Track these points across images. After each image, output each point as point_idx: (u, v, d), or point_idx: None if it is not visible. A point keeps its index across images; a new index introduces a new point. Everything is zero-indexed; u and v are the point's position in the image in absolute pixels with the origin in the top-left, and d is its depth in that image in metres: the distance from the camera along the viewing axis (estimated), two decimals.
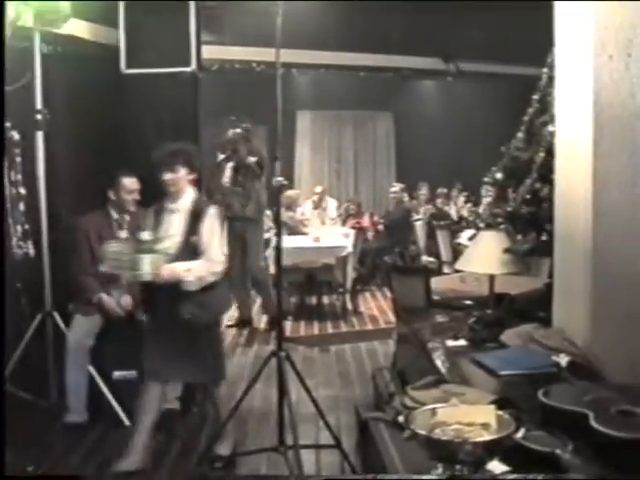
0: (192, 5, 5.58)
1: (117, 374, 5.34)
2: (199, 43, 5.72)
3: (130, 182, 5.43)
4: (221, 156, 8.31)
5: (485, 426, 2.08)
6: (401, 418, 2.17)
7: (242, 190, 8.24)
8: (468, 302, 5.37)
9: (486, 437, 2.04)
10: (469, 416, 2.12)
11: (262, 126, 8.82)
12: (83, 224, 5.44)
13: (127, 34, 5.56)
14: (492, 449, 2.05)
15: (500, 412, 2.16)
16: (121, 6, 5.58)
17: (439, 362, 3.64)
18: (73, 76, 5.63)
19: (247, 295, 8.73)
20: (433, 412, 2.17)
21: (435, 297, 5.79)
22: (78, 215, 5.49)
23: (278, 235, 4.45)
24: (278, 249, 4.38)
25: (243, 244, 8.25)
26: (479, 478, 2.05)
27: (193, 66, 5.60)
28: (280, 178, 4.33)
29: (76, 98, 5.61)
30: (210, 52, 8.29)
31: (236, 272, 8.48)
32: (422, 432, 2.06)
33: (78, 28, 5.60)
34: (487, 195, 5.40)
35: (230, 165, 8.26)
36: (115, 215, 5.45)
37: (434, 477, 2.03)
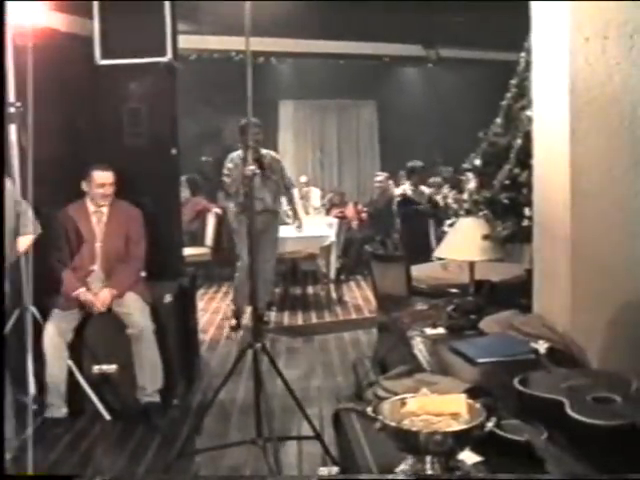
0: None
1: (96, 368, 5.32)
2: (175, 32, 5.69)
3: (100, 176, 5.38)
4: (240, 147, 7.95)
5: (455, 416, 2.04)
6: (369, 409, 2.13)
7: (273, 183, 8.11)
8: (452, 290, 5.35)
9: (455, 427, 2.00)
10: (439, 406, 2.08)
11: (242, 116, 8.75)
12: (61, 217, 5.41)
13: (101, 24, 5.50)
14: (462, 439, 2.00)
15: (471, 401, 2.13)
16: None
17: (417, 351, 3.60)
18: (46, 67, 5.56)
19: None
20: (402, 402, 2.12)
21: (417, 285, 5.76)
22: (54, 208, 5.44)
23: (251, 225, 4.41)
24: (252, 239, 4.35)
25: (266, 236, 8.09)
26: (450, 479, 2.02)
27: (169, 56, 5.55)
28: (253, 167, 4.27)
29: (50, 90, 5.54)
30: (188, 42, 8.25)
31: (246, 265, 8.28)
32: (390, 423, 2.02)
33: (51, 19, 5.52)
34: (467, 182, 5.36)
35: (254, 156, 8.04)
36: (92, 208, 5.41)
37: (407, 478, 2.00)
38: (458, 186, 9.71)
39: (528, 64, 4.42)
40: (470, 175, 5.39)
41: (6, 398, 4.33)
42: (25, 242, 4.64)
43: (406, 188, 10.49)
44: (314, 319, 8.57)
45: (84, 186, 5.38)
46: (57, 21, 5.57)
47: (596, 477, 2.12)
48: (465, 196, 5.42)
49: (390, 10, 9.52)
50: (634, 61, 3.38)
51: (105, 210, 5.44)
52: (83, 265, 5.40)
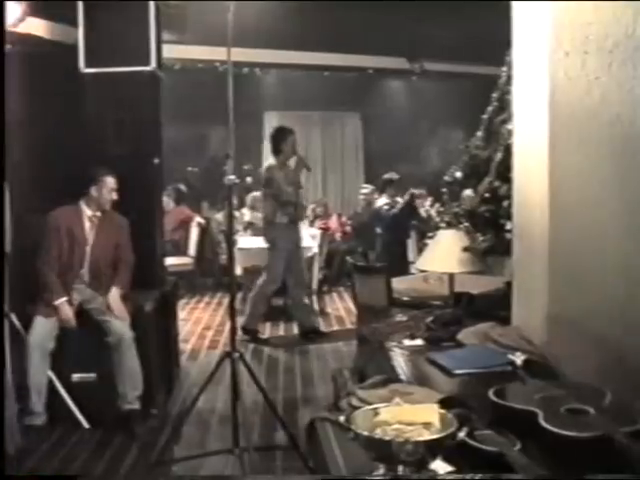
0: (152, 3, 5.55)
1: (76, 376, 5.29)
2: (159, 41, 5.69)
3: (112, 181, 5.41)
4: (278, 155, 7.83)
5: (427, 425, 2.04)
6: (342, 418, 2.13)
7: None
8: (432, 302, 5.36)
9: (427, 436, 2.01)
10: (411, 415, 2.07)
11: (223, 126, 8.74)
12: (54, 219, 5.37)
13: (86, 32, 5.50)
14: (434, 448, 2.00)
15: (443, 411, 2.13)
16: (80, 4, 5.53)
17: (395, 361, 3.60)
18: (30, 75, 5.56)
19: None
20: (375, 412, 2.12)
21: (398, 297, 5.78)
22: (34, 214, 5.42)
23: (230, 235, 4.40)
24: (230, 249, 4.36)
25: None
26: (420, 478, 2.02)
27: (153, 65, 5.55)
28: (232, 177, 4.25)
29: (34, 97, 5.55)
30: (172, 51, 8.24)
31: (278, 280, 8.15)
32: (362, 432, 2.02)
33: (35, 26, 5.53)
34: (447, 194, 5.40)
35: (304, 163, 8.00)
36: (89, 212, 5.40)
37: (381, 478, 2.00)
38: (441, 198, 9.77)
39: (509, 78, 4.44)
40: (469, 191, 5.41)
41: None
42: None
43: (384, 200, 10.48)
44: (296, 330, 8.54)
45: (93, 191, 5.37)
46: (41, 28, 5.57)
47: (565, 477, 2.12)
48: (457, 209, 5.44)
49: (374, 23, 9.55)
50: (613, 76, 3.40)
51: (99, 215, 5.44)
52: (71, 268, 5.38)
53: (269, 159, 7.94)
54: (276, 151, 7.80)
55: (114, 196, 5.44)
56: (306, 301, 8.21)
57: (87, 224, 5.41)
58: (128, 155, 5.80)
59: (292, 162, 7.78)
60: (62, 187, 5.52)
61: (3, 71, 4.52)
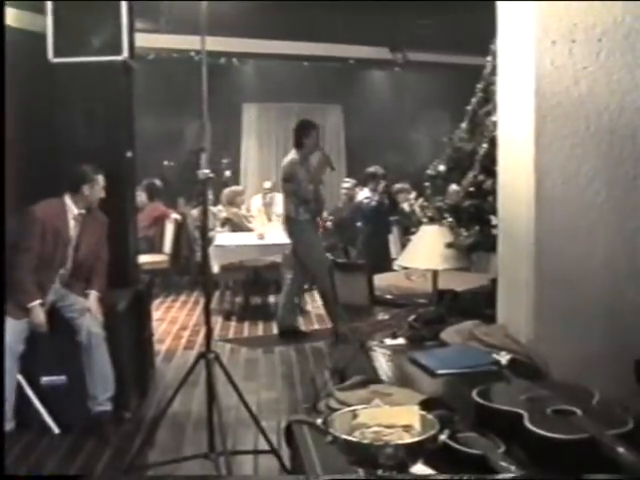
0: None
1: (45, 379, 5.14)
2: (132, 30, 5.60)
3: (102, 179, 5.28)
4: (300, 149, 7.72)
5: (407, 428, 1.96)
6: (319, 421, 2.03)
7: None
8: (415, 299, 5.29)
9: (407, 439, 1.91)
10: (391, 417, 1.99)
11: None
12: (39, 213, 5.13)
13: (55, 21, 5.39)
14: (414, 451, 1.91)
15: (424, 413, 2.04)
16: None
17: (376, 361, 3.52)
18: None
19: None
20: (354, 414, 2.03)
21: (380, 294, 5.71)
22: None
23: (204, 231, 4.28)
24: (205, 246, 4.25)
25: None
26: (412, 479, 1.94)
27: (125, 54, 5.47)
28: (207, 170, 4.11)
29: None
30: (146, 40, 8.09)
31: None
32: (340, 435, 1.92)
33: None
34: (431, 188, 5.29)
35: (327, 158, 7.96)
36: (75, 210, 5.24)
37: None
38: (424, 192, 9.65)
39: (494, 68, 4.35)
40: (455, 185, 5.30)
41: None
42: None
43: (366, 194, 10.38)
44: (275, 330, 8.41)
45: (85, 189, 5.21)
46: (8, 16, 5.41)
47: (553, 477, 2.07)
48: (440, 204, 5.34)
49: (356, 12, 9.48)
50: (601, 65, 3.34)
51: (84, 213, 5.29)
52: (50, 267, 5.19)
53: (291, 153, 7.81)
54: (298, 145, 7.70)
55: (103, 194, 5.31)
56: (296, 300, 8.11)
57: (72, 222, 5.24)
58: (100, 148, 5.66)
59: (314, 157, 7.71)
60: (32, 182, 5.40)
61: (3, 71, 4.41)
